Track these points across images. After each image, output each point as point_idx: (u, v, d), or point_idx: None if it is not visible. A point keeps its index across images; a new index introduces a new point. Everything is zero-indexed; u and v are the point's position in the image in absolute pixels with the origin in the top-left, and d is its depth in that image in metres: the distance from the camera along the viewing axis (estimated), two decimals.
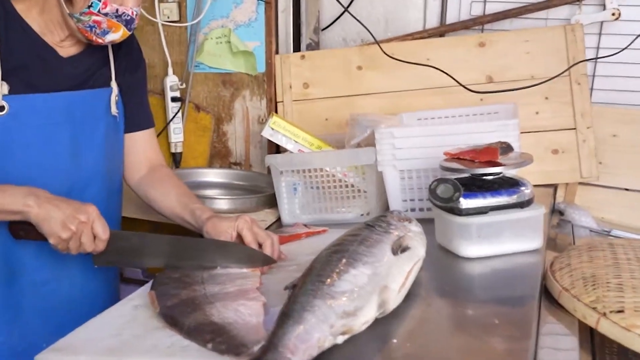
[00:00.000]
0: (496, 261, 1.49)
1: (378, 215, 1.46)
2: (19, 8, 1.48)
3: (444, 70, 2.17)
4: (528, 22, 2.27)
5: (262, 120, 2.43)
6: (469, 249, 1.51)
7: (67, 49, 1.55)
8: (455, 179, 1.53)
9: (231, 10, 2.41)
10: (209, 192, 2.27)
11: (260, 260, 1.45)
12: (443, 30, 2.33)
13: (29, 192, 1.36)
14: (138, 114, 1.74)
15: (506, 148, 1.56)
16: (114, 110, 1.64)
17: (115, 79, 1.65)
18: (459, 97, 2.21)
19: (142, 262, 1.47)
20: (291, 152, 2.04)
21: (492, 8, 2.30)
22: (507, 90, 2.15)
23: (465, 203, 1.49)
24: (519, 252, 1.52)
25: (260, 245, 1.48)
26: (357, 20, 2.28)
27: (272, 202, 2.09)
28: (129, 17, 1.49)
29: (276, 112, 2.36)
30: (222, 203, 2.08)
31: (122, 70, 1.68)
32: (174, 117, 2.45)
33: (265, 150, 2.44)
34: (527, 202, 1.53)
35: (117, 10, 1.46)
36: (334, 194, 1.94)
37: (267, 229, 1.91)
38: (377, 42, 2.22)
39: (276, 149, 2.30)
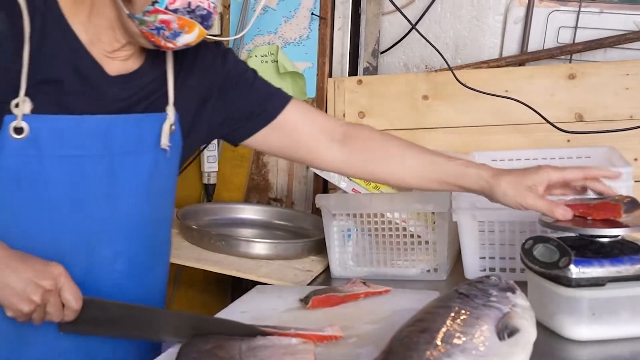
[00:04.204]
0: (613, 347, 1.22)
1: (472, 280, 1.18)
2: (64, 8, 1.21)
3: (528, 104, 1.87)
4: (626, 53, 2.00)
5: None
6: (578, 329, 1.23)
7: (116, 65, 1.27)
8: (558, 238, 1.27)
9: (280, 25, 2.22)
10: (245, 232, 2.05)
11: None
12: (524, 58, 2.05)
13: None
14: (268, 101, 1.42)
15: (631, 204, 1.25)
16: (163, 142, 1.31)
17: (176, 102, 1.34)
18: (541, 137, 1.97)
19: (123, 335, 1.25)
20: (344, 192, 1.83)
21: (583, 35, 2.02)
22: (600, 131, 1.88)
23: (578, 272, 1.21)
24: None
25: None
26: (427, 40, 1.99)
27: (319, 248, 1.85)
28: (205, 12, 1.19)
29: None
30: (260, 247, 1.82)
31: (183, 86, 1.38)
32: (208, 143, 2.22)
33: (310, 186, 2.25)
34: None
35: (189, 4, 1.16)
36: (395, 244, 1.69)
37: (313, 281, 1.66)
38: (450, 68, 1.94)
39: (323, 185, 2.17)
